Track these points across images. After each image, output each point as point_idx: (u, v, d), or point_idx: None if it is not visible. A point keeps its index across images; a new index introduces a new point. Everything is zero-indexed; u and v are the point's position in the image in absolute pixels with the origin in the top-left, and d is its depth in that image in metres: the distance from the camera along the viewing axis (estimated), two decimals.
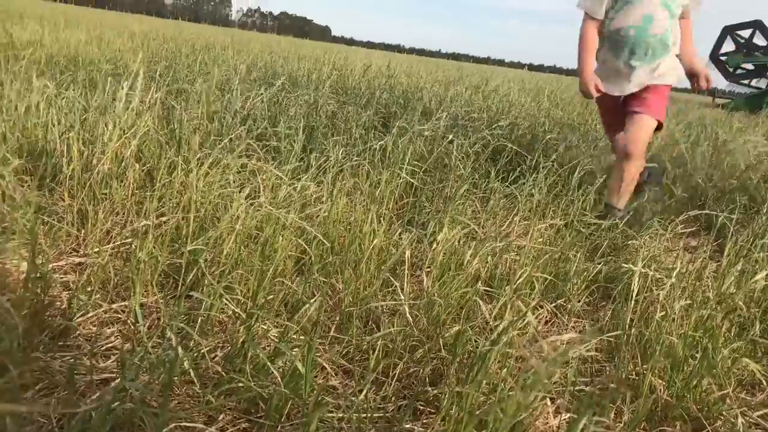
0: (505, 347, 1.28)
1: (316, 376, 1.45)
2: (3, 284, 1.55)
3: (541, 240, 2.12)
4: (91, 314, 1.58)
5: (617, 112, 3.08)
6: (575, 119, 5.98)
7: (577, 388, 1.54)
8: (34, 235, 1.41)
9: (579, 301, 2.06)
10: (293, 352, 1.31)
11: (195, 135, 2.87)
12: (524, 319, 1.40)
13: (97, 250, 1.81)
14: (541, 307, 1.79)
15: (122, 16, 31.68)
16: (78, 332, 1.52)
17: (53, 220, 1.95)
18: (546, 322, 1.95)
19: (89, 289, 1.64)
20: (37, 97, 2.81)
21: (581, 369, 1.68)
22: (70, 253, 1.91)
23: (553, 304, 1.99)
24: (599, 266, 2.25)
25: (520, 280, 1.69)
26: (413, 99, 5.30)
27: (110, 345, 1.52)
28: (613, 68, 3.04)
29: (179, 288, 1.69)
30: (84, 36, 7.49)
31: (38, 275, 1.51)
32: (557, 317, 1.98)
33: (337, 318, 1.69)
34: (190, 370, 1.28)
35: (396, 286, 1.71)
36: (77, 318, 1.54)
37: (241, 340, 1.37)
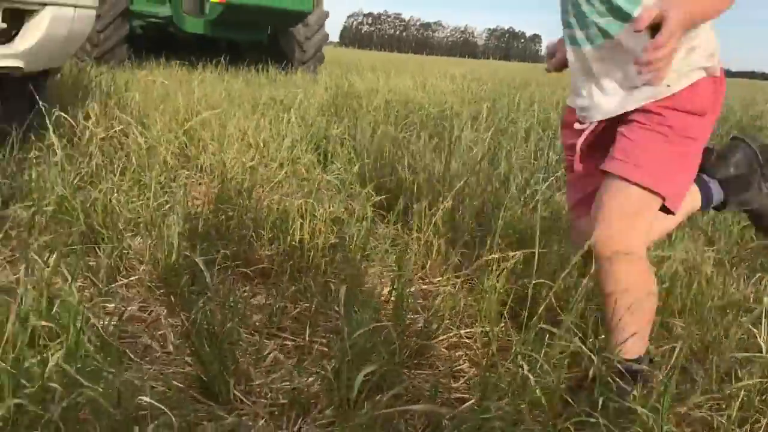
0: None
1: None
2: (374, 305, 1.79)
3: None
4: (441, 338, 1.74)
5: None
6: None
7: None
8: (402, 263, 1.61)
9: None
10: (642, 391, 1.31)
11: (522, 172, 3.00)
12: None
13: (447, 277, 1.99)
14: None
15: (438, 60, 34.02)
16: (432, 353, 1.69)
17: (405, 250, 2.19)
18: None
19: (440, 314, 1.80)
20: (383, 140, 3.19)
21: None
22: (418, 280, 2.13)
23: None
24: None
25: None
26: None
27: (458, 367, 1.66)
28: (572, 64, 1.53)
29: (524, 318, 1.78)
30: (410, 82, 8.20)
31: (401, 299, 1.72)
32: None
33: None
34: (541, 397, 1.35)
35: (752, 334, 1.60)
36: (431, 340, 1.71)
37: (590, 374, 1.40)
